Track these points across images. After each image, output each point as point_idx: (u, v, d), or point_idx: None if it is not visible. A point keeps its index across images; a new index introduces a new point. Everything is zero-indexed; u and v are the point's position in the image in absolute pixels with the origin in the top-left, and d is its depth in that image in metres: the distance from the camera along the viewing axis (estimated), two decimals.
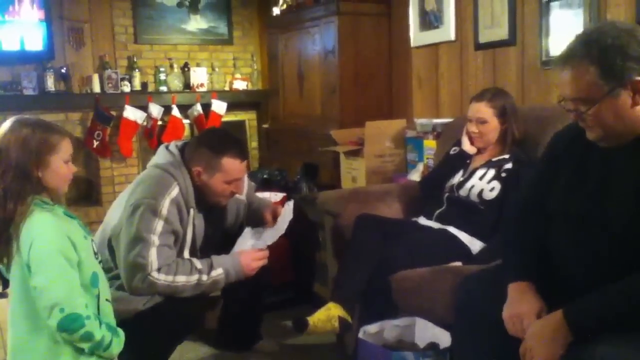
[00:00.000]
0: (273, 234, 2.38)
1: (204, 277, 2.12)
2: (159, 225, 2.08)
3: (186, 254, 2.21)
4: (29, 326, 1.54)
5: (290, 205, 2.47)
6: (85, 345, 1.50)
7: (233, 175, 2.22)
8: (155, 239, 2.06)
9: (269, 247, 2.35)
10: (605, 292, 1.37)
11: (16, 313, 1.57)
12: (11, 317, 1.58)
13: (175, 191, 2.14)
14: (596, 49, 1.38)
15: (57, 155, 1.56)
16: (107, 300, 1.64)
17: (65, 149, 1.59)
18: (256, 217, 2.50)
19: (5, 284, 1.60)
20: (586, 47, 1.40)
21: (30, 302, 1.51)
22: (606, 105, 1.39)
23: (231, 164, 2.20)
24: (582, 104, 1.43)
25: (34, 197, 1.53)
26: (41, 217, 1.51)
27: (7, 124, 1.56)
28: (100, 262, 1.65)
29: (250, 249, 2.30)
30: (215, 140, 2.26)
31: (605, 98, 1.39)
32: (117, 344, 1.58)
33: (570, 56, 1.43)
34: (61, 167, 1.57)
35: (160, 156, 2.27)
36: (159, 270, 2.05)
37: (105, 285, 1.64)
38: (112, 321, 1.64)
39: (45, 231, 1.50)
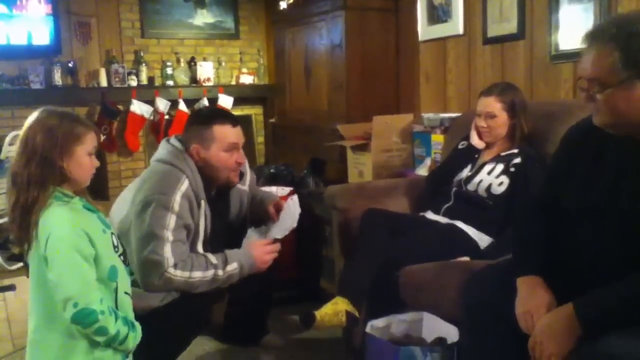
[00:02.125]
0: (281, 229, 2.37)
1: (220, 272, 2.11)
2: (171, 220, 2.06)
3: (199, 248, 2.19)
4: (43, 317, 1.55)
5: (295, 200, 2.45)
6: (100, 339, 1.51)
7: (228, 141, 2.21)
8: (169, 235, 2.04)
9: (278, 242, 2.34)
10: (617, 286, 1.36)
11: (33, 303, 1.57)
12: (30, 307, 1.59)
13: (185, 185, 2.13)
14: (623, 34, 1.36)
15: (82, 146, 1.56)
16: (126, 293, 1.63)
17: (90, 141, 1.59)
18: (260, 210, 2.49)
19: (28, 268, 1.61)
20: (616, 30, 1.37)
21: (45, 293, 1.52)
22: (620, 92, 1.37)
23: (223, 130, 2.20)
24: (596, 85, 1.41)
25: (56, 188, 1.53)
26: (58, 211, 1.51)
27: (35, 113, 1.58)
28: (120, 255, 1.64)
29: (262, 242, 2.29)
30: (202, 114, 2.40)
31: (620, 85, 1.37)
32: (133, 338, 1.58)
33: (598, 35, 1.41)
34: (84, 159, 1.57)
35: (163, 150, 2.25)
36: (175, 266, 2.03)
37: (124, 279, 1.63)
38: (130, 315, 1.63)
39: (60, 226, 1.49)
